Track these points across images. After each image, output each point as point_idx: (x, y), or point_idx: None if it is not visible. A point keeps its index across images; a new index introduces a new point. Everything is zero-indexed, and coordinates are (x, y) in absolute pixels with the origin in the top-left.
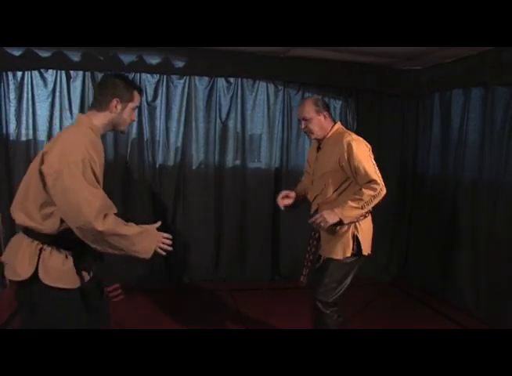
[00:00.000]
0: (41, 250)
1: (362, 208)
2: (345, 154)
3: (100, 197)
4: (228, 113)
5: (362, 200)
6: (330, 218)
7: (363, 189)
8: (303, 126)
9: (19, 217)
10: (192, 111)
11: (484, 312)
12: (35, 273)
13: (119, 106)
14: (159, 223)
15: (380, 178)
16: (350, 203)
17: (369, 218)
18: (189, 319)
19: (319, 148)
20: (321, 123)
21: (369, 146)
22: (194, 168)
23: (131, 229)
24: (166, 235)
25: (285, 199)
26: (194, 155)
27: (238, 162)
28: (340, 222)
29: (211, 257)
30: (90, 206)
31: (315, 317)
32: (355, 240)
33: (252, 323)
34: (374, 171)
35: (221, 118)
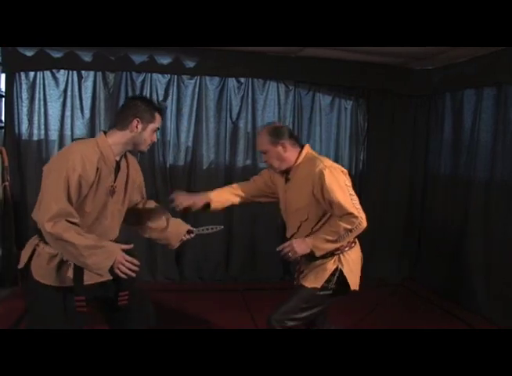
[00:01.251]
0: (36, 245)
1: (336, 242)
2: (318, 185)
3: (60, 203)
4: (238, 113)
5: (337, 233)
6: (300, 248)
7: (339, 222)
8: (264, 160)
9: (33, 211)
10: (203, 111)
11: (497, 314)
12: (28, 265)
13: (139, 126)
14: (129, 246)
15: (359, 210)
16: (323, 235)
17: (357, 248)
18: (200, 319)
19: (287, 179)
20: (279, 154)
21: (344, 171)
22: (205, 168)
23: (82, 240)
24: (129, 258)
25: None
26: (205, 155)
27: (249, 162)
28: (312, 254)
29: (222, 257)
30: (48, 208)
31: None
32: (338, 273)
33: (263, 323)
34: (351, 204)
35: (231, 118)
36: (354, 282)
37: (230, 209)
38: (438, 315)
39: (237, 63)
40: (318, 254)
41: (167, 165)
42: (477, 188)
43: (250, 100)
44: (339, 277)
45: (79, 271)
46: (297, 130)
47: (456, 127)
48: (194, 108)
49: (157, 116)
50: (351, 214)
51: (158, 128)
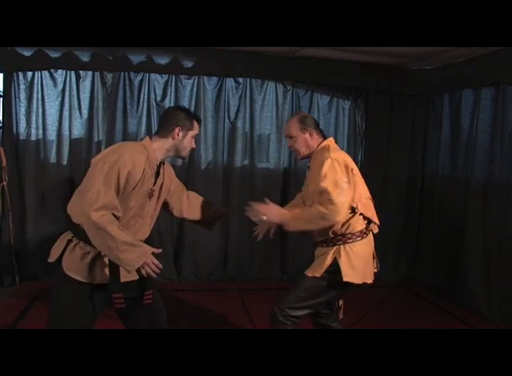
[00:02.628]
0: (69, 241)
1: (308, 223)
2: (318, 173)
3: (109, 196)
4: (236, 114)
5: (311, 213)
6: (272, 215)
7: (317, 205)
8: (289, 145)
9: (69, 205)
10: (201, 111)
11: (496, 313)
12: (60, 259)
13: (181, 134)
14: (159, 250)
15: (341, 203)
16: (299, 212)
17: (366, 242)
18: (197, 319)
19: (308, 167)
20: (306, 141)
21: (349, 167)
22: (203, 167)
23: (123, 235)
24: (156, 262)
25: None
26: (203, 155)
27: (246, 162)
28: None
29: (220, 257)
30: (97, 198)
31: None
32: (334, 264)
33: (261, 323)
34: (336, 194)
35: (229, 118)
36: (353, 275)
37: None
38: (437, 315)
39: (235, 63)
40: (287, 228)
41: None
42: (475, 188)
43: (248, 100)
44: (334, 268)
45: (115, 269)
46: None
47: (454, 127)
48: (192, 108)
49: (196, 124)
50: (330, 200)
51: (197, 135)
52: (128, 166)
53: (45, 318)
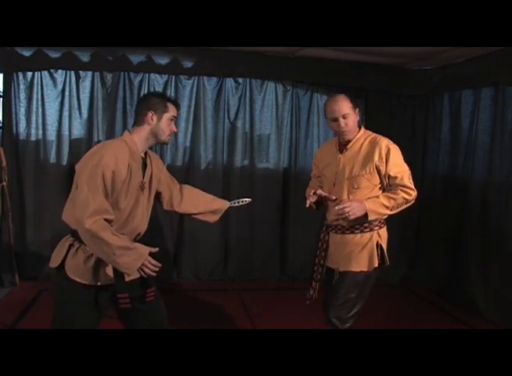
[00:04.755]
0: (70, 246)
1: (391, 210)
2: (383, 158)
3: (98, 200)
4: (236, 114)
5: (395, 200)
6: (359, 208)
7: (399, 191)
8: (342, 125)
9: (63, 213)
10: (201, 111)
11: (496, 313)
12: (63, 264)
13: (155, 118)
14: (155, 250)
15: (413, 186)
16: (382, 199)
17: (386, 227)
18: (197, 319)
19: (344, 149)
20: (355, 120)
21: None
22: (202, 168)
23: (117, 240)
24: (154, 262)
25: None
26: (202, 155)
27: (246, 162)
28: (364, 217)
29: (220, 257)
30: (86, 204)
31: None
32: (379, 248)
33: (260, 323)
34: (410, 179)
35: (229, 118)
36: (387, 259)
37: (228, 210)
38: (437, 315)
39: (235, 63)
40: (371, 217)
41: (165, 165)
42: (475, 188)
43: (248, 100)
44: (380, 252)
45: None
46: (295, 130)
47: (454, 127)
48: (192, 108)
49: (170, 105)
50: (409, 187)
51: (175, 117)
52: (111, 166)
53: (45, 318)
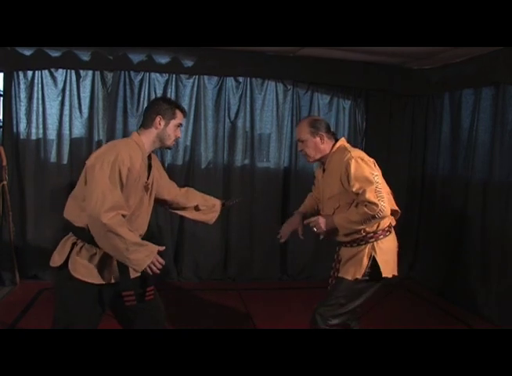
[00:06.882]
0: (73, 244)
1: (361, 224)
2: (344, 174)
3: (115, 195)
4: (237, 113)
5: (360, 215)
6: (325, 223)
7: (362, 206)
8: (299, 148)
9: (65, 211)
10: (201, 111)
11: (496, 313)
12: (66, 263)
13: (162, 123)
14: (162, 248)
15: (380, 199)
16: (348, 214)
17: (392, 236)
18: (197, 318)
19: (324, 169)
20: (317, 145)
21: (371, 161)
22: (203, 167)
23: (132, 236)
24: (161, 260)
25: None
26: (203, 154)
27: (247, 162)
28: (336, 232)
29: (220, 256)
30: (104, 199)
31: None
32: (371, 261)
33: (261, 323)
34: (373, 193)
35: (230, 118)
36: (387, 270)
37: (228, 209)
38: (437, 315)
39: (236, 62)
40: (342, 231)
41: (166, 165)
42: (475, 188)
43: (248, 100)
44: (372, 265)
45: (125, 266)
46: (296, 130)
47: (454, 127)
48: (192, 107)
49: (178, 112)
50: (371, 202)
51: (181, 124)
52: (126, 163)
53: (46, 317)
